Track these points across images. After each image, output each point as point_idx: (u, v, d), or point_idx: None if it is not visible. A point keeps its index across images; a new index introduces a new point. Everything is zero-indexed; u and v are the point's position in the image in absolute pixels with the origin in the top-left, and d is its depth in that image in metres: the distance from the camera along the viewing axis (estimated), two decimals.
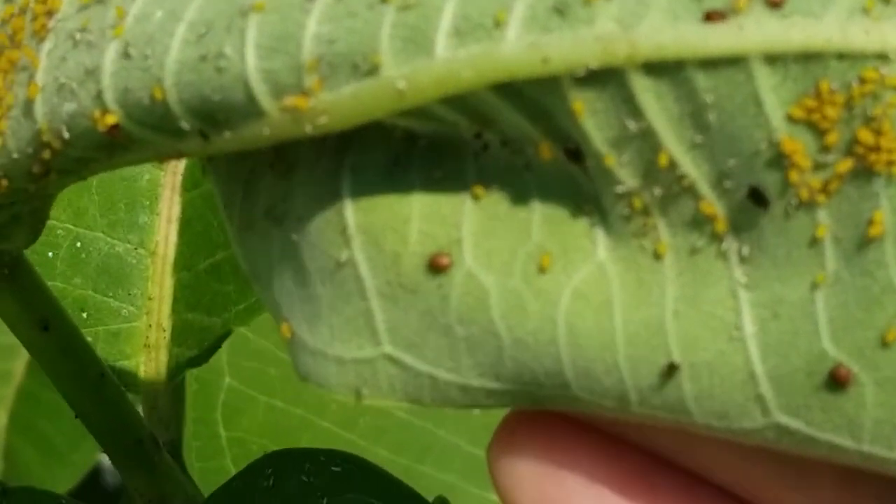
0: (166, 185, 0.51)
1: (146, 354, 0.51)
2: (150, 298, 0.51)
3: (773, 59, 0.28)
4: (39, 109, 0.32)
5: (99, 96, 0.32)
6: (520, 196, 0.31)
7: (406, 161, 0.32)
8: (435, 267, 0.31)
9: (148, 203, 0.51)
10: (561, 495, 0.31)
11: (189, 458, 0.72)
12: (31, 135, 0.33)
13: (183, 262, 0.51)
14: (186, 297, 0.51)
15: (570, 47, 0.28)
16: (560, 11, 0.28)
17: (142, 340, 0.51)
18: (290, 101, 0.30)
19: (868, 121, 0.28)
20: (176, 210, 0.51)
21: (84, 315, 0.50)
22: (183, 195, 0.52)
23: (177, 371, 0.50)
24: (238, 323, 0.49)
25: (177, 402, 0.51)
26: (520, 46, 0.29)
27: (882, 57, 0.27)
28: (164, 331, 0.51)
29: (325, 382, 0.32)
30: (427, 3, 0.29)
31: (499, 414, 0.64)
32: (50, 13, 0.33)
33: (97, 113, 0.32)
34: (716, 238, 0.29)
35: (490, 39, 0.29)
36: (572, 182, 0.30)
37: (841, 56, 0.27)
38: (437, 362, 0.31)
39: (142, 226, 0.51)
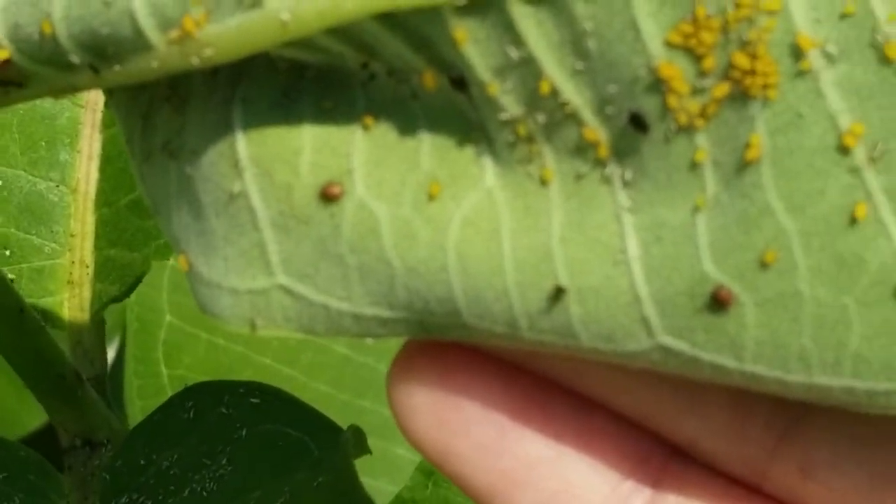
0: (86, 122, 0.51)
1: (70, 291, 0.51)
2: (72, 235, 0.51)
3: None
4: None
5: None
6: (408, 125, 0.31)
7: (296, 92, 0.32)
8: (327, 197, 0.31)
9: (68, 140, 0.51)
10: (458, 421, 0.32)
11: (130, 395, 0.72)
12: None
13: (104, 199, 0.51)
14: (108, 233, 0.51)
15: None
16: None
17: (65, 277, 0.51)
18: (176, 33, 0.30)
19: (743, 45, 0.28)
20: (96, 147, 0.51)
21: (7, 253, 0.50)
22: (103, 132, 0.51)
23: (100, 307, 0.50)
24: (158, 257, 0.50)
25: (101, 338, 0.51)
26: None
27: None
28: (87, 267, 0.51)
29: (220, 314, 0.32)
30: None
31: None
32: None
33: None
34: (599, 163, 0.30)
35: None
36: (458, 110, 0.31)
37: None
38: (330, 291, 0.32)
39: (63, 163, 0.51)
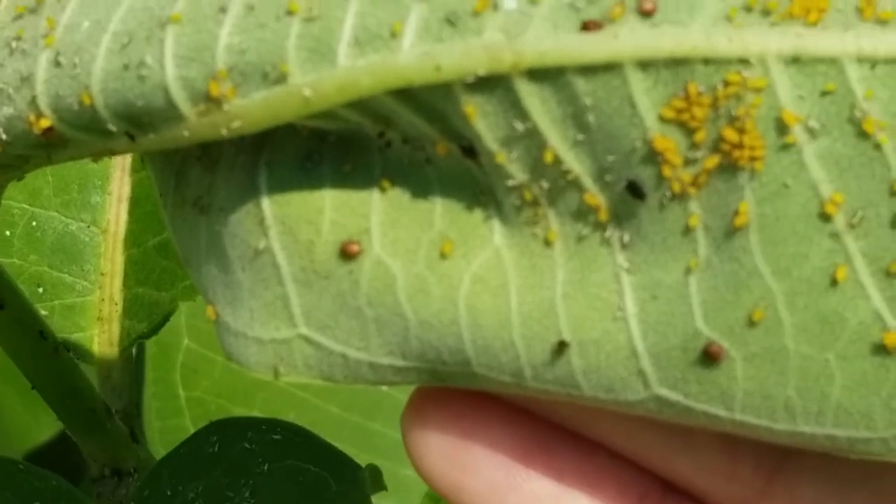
0: (116, 166, 0.52)
1: (99, 327, 0.51)
2: (102, 274, 0.51)
3: (646, 65, 0.29)
4: None
5: (33, 101, 0.32)
6: (422, 188, 0.32)
7: (317, 157, 0.32)
8: (346, 254, 0.32)
9: (100, 183, 0.52)
10: (468, 461, 0.33)
11: (149, 417, 0.72)
12: None
13: (133, 240, 0.52)
14: (136, 272, 0.51)
15: (461, 56, 0.29)
16: (451, 22, 0.29)
17: (95, 314, 0.51)
18: (206, 107, 0.31)
19: (732, 120, 0.28)
20: (126, 190, 0.52)
21: (40, 290, 0.51)
22: (132, 175, 0.52)
23: (129, 343, 0.51)
24: (184, 298, 0.50)
25: (129, 373, 0.51)
26: (414, 55, 0.29)
27: (744, 61, 0.28)
28: (116, 304, 0.51)
29: (245, 362, 0.33)
30: (329, 15, 0.30)
31: None
32: None
33: (32, 117, 0.32)
34: (599, 226, 0.30)
35: (387, 49, 0.30)
36: (469, 176, 0.31)
37: (706, 61, 0.28)
38: (349, 342, 0.32)
39: (94, 205, 0.52)
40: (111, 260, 0.52)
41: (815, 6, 0.28)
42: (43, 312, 0.48)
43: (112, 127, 0.32)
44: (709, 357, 0.30)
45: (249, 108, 0.31)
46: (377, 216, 0.32)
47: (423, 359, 0.32)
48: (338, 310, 0.32)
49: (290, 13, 0.30)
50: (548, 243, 0.31)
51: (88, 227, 0.52)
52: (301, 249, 0.32)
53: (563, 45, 0.29)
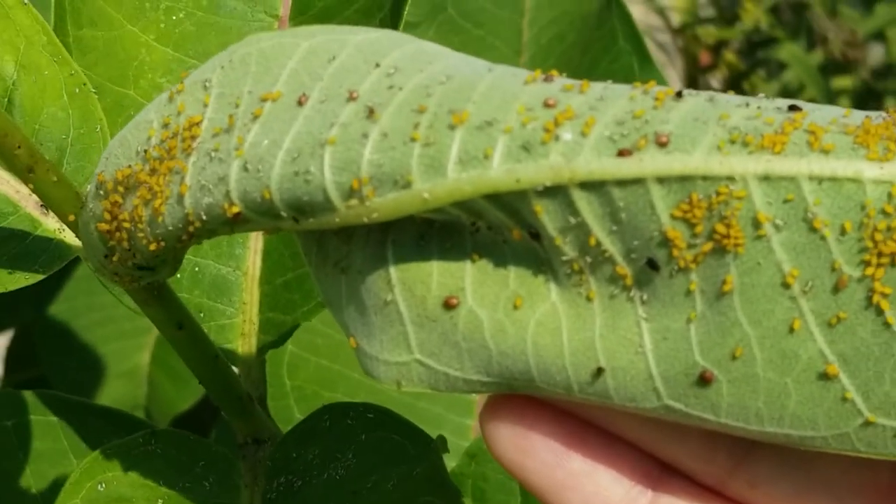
0: None
1: (242, 340, 0.51)
2: (244, 303, 0.51)
3: (662, 180, 0.29)
4: (187, 201, 0.34)
5: (227, 195, 0.33)
6: (501, 260, 0.32)
7: (427, 237, 0.33)
8: (448, 305, 0.32)
9: (242, 240, 0.52)
10: (528, 446, 0.33)
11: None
12: (181, 216, 0.34)
13: (265, 279, 0.52)
14: (268, 302, 0.51)
15: (534, 173, 0.30)
16: (526, 149, 0.30)
17: (239, 331, 0.51)
18: (353, 203, 0.31)
19: (722, 218, 0.29)
20: (260, 244, 0.52)
21: (201, 315, 0.51)
22: (264, 235, 0.52)
23: (263, 351, 0.51)
24: (302, 320, 0.51)
25: (262, 371, 0.52)
26: (501, 171, 0.30)
27: (730, 178, 0.29)
28: (254, 324, 0.51)
29: (377, 377, 0.34)
30: (441, 142, 0.30)
31: None
32: (194, 137, 0.34)
33: (226, 205, 0.33)
34: (626, 289, 0.31)
35: (482, 167, 0.30)
36: (534, 252, 0.32)
37: (705, 178, 0.29)
38: (450, 365, 0.33)
39: (238, 255, 0.52)
40: (250, 293, 0.52)
41: (779, 140, 0.29)
42: (205, 330, 0.48)
43: (283, 214, 0.32)
44: (703, 380, 0.30)
45: (384, 205, 0.31)
46: (469, 279, 0.32)
47: (501, 376, 0.32)
48: (442, 343, 0.33)
49: (413, 140, 0.30)
50: (589, 299, 0.31)
51: (234, 270, 0.52)
52: (417, 301, 0.32)
53: (605, 166, 0.29)
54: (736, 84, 1.59)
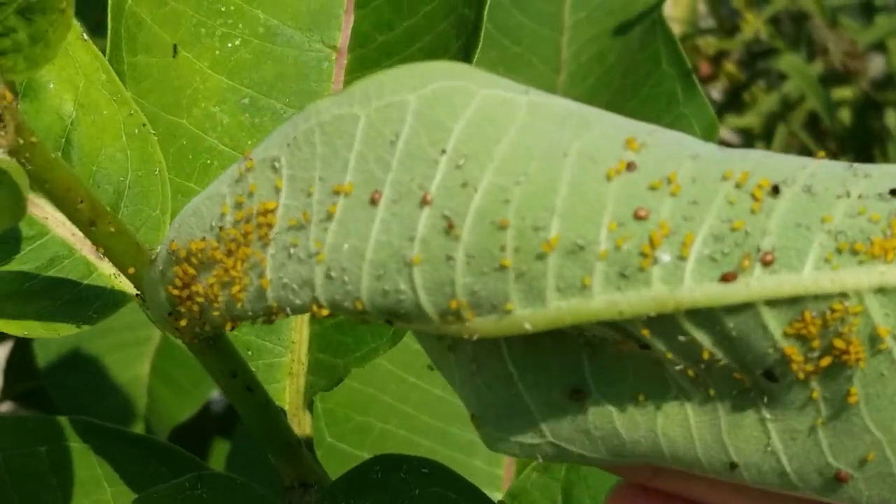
0: None
1: (290, 380, 0.49)
2: (293, 342, 0.49)
3: (773, 303, 0.27)
4: (270, 295, 0.32)
5: (315, 299, 0.31)
6: (616, 359, 0.30)
7: (537, 342, 0.31)
8: (575, 397, 0.31)
9: None
10: None
11: None
12: (264, 307, 0.32)
13: (315, 318, 0.49)
14: (318, 343, 0.49)
15: (636, 303, 0.28)
16: (625, 276, 0.28)
17: (287, 370, 0.49)
18: (452, 320, 0.29)
19: (839, 334, 0.27)
20: None
21: (249, 353, 0.49)
22: None
23: (311, 392, 0.49)
24: (356, 365, 0.48)
25: (310, 413, 0.49)
26: (602, 303, 0.28)
27: (843, 295, 0.27)
28: (302, 364, 0.49)
29: (510, 452, 0.32)
30: (534, 270, 0.28)
31: None
32: (269, 226, 0.31)
33: (315, 307, 0.31)
34: (746, 391, 0.29)
35: (581, 296, 0.28)
36: (647, 357, 0.30)
37: (816, 297, 0.27)
38: (583, 448, 0.31)
39: None
40: (300, 332, 0.49)
41: (891, 247, 0.27)
42: (252, 368, 0.45)
43: (375, 318, 0.31)
44: (839, 479, 0.29)
45: (485, 326, 0.29)
46: (589, 372, 0.31)
47: (638, 457, 0.31)
48: (574, 429, 0.31)
49: (503, 267, 0.28)
50: (710, 397, 0.29)
51: None
52: (542, 393, 0.31)
53: (710, 293, 0.28)
54: (736, 95, 1.56)
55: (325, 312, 0.30)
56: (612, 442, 0.31)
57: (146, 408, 0.97)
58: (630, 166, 0.28)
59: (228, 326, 0.33)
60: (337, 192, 0.30)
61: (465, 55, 0.45)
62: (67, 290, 0.39)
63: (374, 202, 0.29)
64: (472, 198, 0.28)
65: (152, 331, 0.96)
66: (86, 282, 0.39)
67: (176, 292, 0.34)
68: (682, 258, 0.27)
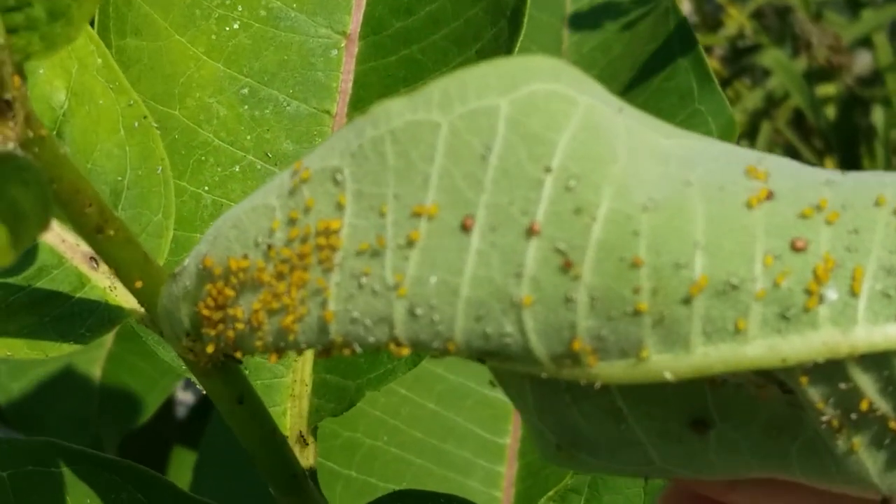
0: None
1: (291, 402, 0.46)
2: (295, 360, 0.46)
3: None
4: (333, 328, 0.28)
5: (394, 338, 0.27)
6: (746, 404, 0.28)
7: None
8: (697, 428, 0.28)
9: None
10: None
11: None
12: (325, 341, 0.29)
13: None
14: (325, 361, 0.46)
15: (803, 350, 0.25)
16: (786, 318, 0.25)
17: (288, 392, 0.46)
18: (567, 364, 0.26)
19: None
20: None
21: (246, 371, 0.45)
22: None
23: (317, 417, 0.46)
24: (370, 388, 0.45)
25: (314, 440, 0.46)
26: (760, 349, 0.25)
27: None
28: (306, 385, 0.46)
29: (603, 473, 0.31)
30: (677, 313, 0.25)
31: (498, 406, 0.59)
32: (333, 248, 0.28)
33: (393, 346, 0.28)
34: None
35: (734, 341, 0.25)
36: (785, 402, 0.27)
37: None
38: (700, 472, 0.29)
39: None
40: None
41: None
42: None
43: (468, 357, 0.27)
44: None
45: (611, 372, 0.26)
46: (712, 402, 0.28)
47: (750, 474, 0.29)
48: (691, 457, 0.29)
49: (638, 312, 0.25)
50: (853, 451, 0.27)
51: None
52: (657, 424, 0.28)
53: (889, 334, 0.25)
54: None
55: (405, 352, 0.27)
56: (734, 464, 0.28)
57: (97, 413, 0.94)
58: (770, 195, 0.25)
59: (273, 359, 0.29)
60: (418, 214, 0.27)
61: (501, 46, 0.42)
62: (56, 305, 0.36)
63: (465, 229, 0.26)
64: (590, 228, 0.25)
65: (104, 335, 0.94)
66: (77, 295, 0.36)
67: (207, 313, 0.30)
68: (854, 295, 0.25)
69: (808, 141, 1.55)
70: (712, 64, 1.59)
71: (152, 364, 0.94)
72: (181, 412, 1.11)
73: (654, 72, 0.69)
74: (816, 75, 1.56)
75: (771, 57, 1.53)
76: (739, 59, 1.60)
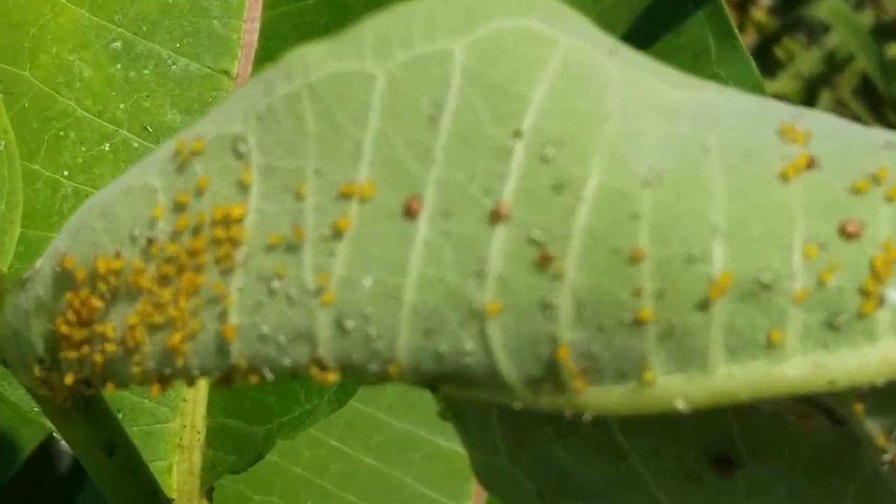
0: None
1: (180, 455, 0.46)
2: (183, 400, 0.46)
3: None
4: (235, 349, 0.28)
5: (317, 359, 0.27)
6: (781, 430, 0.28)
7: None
8: (720, 467, 0.28)
9: None
10: None
11: None
12: (224, 366, 0.28)
13: None
14: (223, 401, 0.46)
15: (855, 369, 0.25)
16: (834, 327, 0.25)
17: (175, 441, 0.46)
18: (546, 389, 0.26)
19: None
20: None
21: (120, 415, 0.45)
22: None
23: (214, 473, 0.45)
24: (283, 436, 0.44)
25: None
26: (802, 369, 0.25)
27: None
28: (199, 433, 0.46)
29: None
30: (690, 321, 0.25)
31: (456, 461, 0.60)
32: (234, 242, 0.27)
33: (315, 369, 0.27)
34: None
35: (766, 358, 0.25)
36: (841, 440, 0.28)
37: None
38: None
39: None
40: (195, 386, 0.46)
41: None
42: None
43: (417, 384, 0.27)
44: None
45: (604, 400, 0.26)
46: (738, 435, 0.28)
47: None
48: (711, 500, 0.29)
49: (639, 321, 0.25)
50: None
51: None
52: (667, 462, 0.28)
53: None
54: (767, 50, 1.56)
55: (331, 378, 0.27)
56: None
57: None
58: (812, 163, 0.25)
59: (156, 389, 0.29)
60: (346, 196, 0.26)
61: None
62: None
63: (410, 213, 0.26)
64: (574, 211, 0.25)
65: None
66: None
67: (67, 330, 0.30)
68: None
69: (877, 112, 1.56)
70: (756, 15, 1.60)
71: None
72: (65, 462, 1.12)
73: (660, 25, 0.69)
74: (886, 31, 1.58)
75: (830, 8, 1.53)
76: (791, 10, 1.61)
